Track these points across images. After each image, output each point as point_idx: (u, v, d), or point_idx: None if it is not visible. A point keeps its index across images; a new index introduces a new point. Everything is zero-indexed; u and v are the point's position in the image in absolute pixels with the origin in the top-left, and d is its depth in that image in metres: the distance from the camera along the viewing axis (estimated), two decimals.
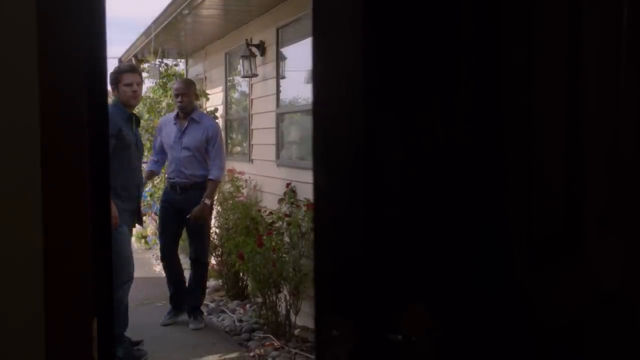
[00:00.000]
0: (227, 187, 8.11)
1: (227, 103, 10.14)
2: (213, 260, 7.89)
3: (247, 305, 7.17)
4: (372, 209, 0.96)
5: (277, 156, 7.69)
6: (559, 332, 1.27)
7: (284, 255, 6.25)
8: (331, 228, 0.99)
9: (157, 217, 10.81)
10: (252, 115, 8.75)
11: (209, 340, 6.05)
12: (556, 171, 1.20)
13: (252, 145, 8.74)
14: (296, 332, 6.27)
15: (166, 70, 10.87)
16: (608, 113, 1.45)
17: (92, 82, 1.05)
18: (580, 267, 1.27)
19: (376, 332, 0.90)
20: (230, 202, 7.75)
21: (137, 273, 5.73)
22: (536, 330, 1.19)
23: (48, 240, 1.15)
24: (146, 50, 10.87)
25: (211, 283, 7.66)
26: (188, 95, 6.39)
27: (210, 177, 6.32)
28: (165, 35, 9.91)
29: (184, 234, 6.64)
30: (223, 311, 7.03)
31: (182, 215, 6.26)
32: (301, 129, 7.53)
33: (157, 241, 11.34)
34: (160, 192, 9.84)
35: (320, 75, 1.03)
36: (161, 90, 10.39)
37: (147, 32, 10.14)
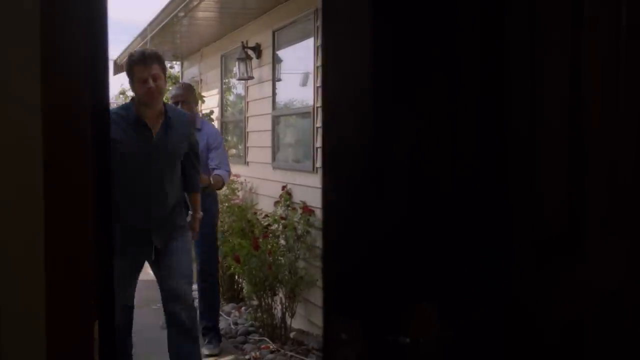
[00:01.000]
0: (223, 189, 8.11)
1: (223, 105, 10.13)
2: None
3: (243, 308, 7.16)
4: (379, 211, 0.95)
5: (273, 159, 7.69)
6: (561, 332, 1.27)
7: (279, 258, 6.25)
8: (339, 231, 0.99)
9: None
10: (247, 117, 8.75)
11: (204, 342, 6.03)
12: (559, 171, 1.21)
13: (248, 147, 8.73)
14: (292, 335, 6.26)
15: None
16: (610, 117, 1.45)
17: (94, 91, 1.05)
18: (582, 266, 1.27)
19: (384, 334, 0.90)
20: (226, 204, 7.73)
21: None
22: (539, 330, 1.19)
23: (50, 245, 1.15)
24: None
25: None
26: (188, 102, 5.75)
27: (217, 172, 5.81)
28: (161, 38, 9.90)
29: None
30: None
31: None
32: (297, 132, 7.53)
33: None
34: None
35: (331, 77, 1.03)
36: None
37: (142, 34, 10.13)
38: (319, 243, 6.25)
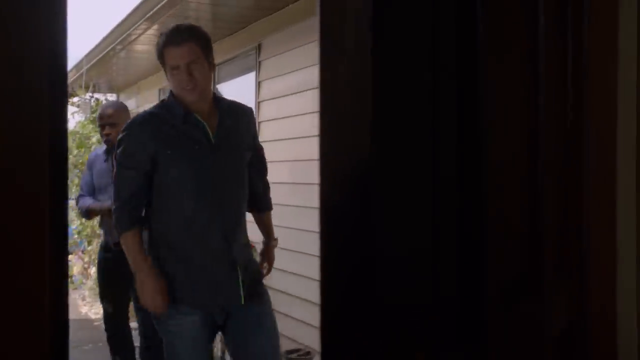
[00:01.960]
0: None
1: None
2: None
3: None
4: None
5: None
6: None
7: None
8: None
9: (83, 256, 10.47)
10: None
11: None
12: (521, 218, 1.24)
13: None
14: None
15: (96, 105, 10.64)
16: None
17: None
18: (541, 306, 1.30)
19: None
20: None
21: None
22: None
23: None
24: (76, 84, 10.62)
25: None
26: (117, 125, 4.45)
27: None
28: (97, 69, 9.73)
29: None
30: None
31: (125, 279, 4.01)
32: None
33: (83, 281, 10.88)
34: (89, 231, 9.53)
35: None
36: (92, 126, 10.14)
37: (78, 66, 9.92)
38: None
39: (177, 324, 3.02)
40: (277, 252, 3.50)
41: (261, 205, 3.41)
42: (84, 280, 10.25)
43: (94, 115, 10.23)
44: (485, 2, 1.12)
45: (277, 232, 3.54)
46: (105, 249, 4.80)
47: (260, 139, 3.72)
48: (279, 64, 6.13)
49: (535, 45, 1.28)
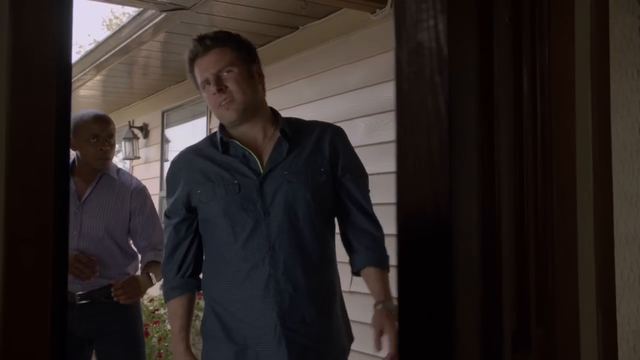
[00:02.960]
0: None
1: None
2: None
3: None
4: None
5: None
6: None
7: (168, 344, 6.02)
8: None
9: None
10: None
11: None
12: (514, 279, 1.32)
13: None
14: None
15: None
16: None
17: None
18: (531, 356, 1.38)
19: None
20: None
21: None
22: None
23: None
24: None
25: None
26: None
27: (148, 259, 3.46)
28: None
29: None
30: None
31: (88, 344, 3.34)
32: None
33: None
34: None
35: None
36: None
37: None
38: None
39: None
40: None
41: (357, 259, 2.38)
42: None
43: None
44: None
45: None
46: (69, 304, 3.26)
47: None
48: None
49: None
